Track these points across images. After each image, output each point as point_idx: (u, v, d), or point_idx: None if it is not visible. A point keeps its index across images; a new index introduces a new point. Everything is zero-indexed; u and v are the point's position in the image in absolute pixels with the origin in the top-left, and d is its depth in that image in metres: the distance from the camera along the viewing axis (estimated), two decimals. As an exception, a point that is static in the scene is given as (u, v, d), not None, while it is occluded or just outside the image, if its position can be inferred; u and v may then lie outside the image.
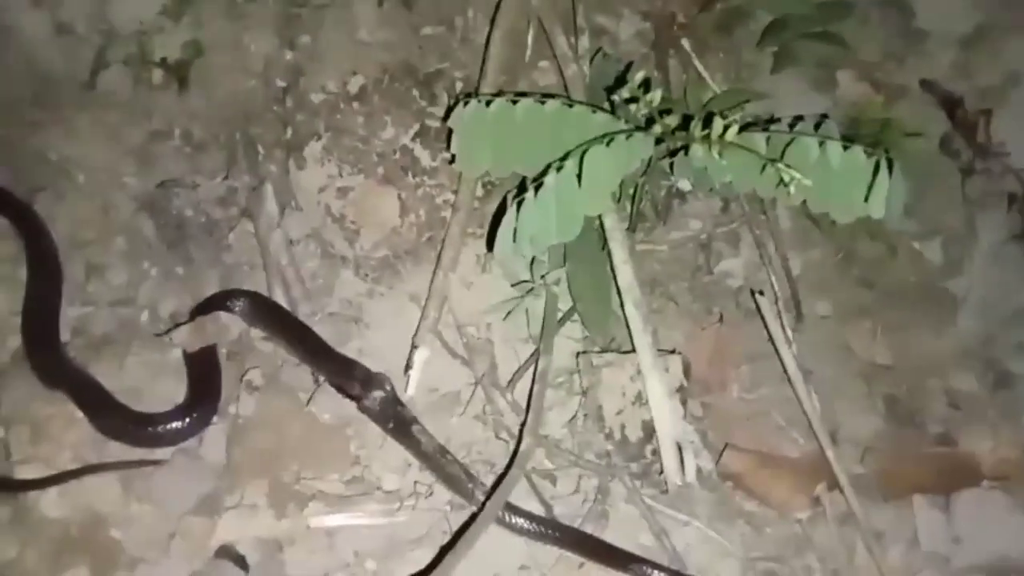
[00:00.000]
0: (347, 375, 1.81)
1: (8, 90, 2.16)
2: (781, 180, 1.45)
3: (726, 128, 1.50)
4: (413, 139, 2.01)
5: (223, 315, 1.90)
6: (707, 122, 1.55)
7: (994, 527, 1.91)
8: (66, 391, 1.83)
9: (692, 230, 2.24)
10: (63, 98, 2.16)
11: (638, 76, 1.53)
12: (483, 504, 1.58)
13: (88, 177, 2.12)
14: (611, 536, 1.79)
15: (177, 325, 1.89)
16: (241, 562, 1.64)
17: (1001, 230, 2.34)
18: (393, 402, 1.75)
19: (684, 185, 2.12)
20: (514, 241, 1.53)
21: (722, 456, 1.92)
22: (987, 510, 1.94)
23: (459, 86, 2.11)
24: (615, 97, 1.61)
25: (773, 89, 2.23)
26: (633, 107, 1.58)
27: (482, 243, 2.03)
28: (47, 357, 1.87)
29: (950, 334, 2.27)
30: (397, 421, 1.74)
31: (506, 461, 1.85)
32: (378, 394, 1.76)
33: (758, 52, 2.29)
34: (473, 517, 1.56)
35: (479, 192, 2.00)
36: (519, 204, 1.52)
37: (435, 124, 2.04)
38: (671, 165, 1.85)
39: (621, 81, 1.63)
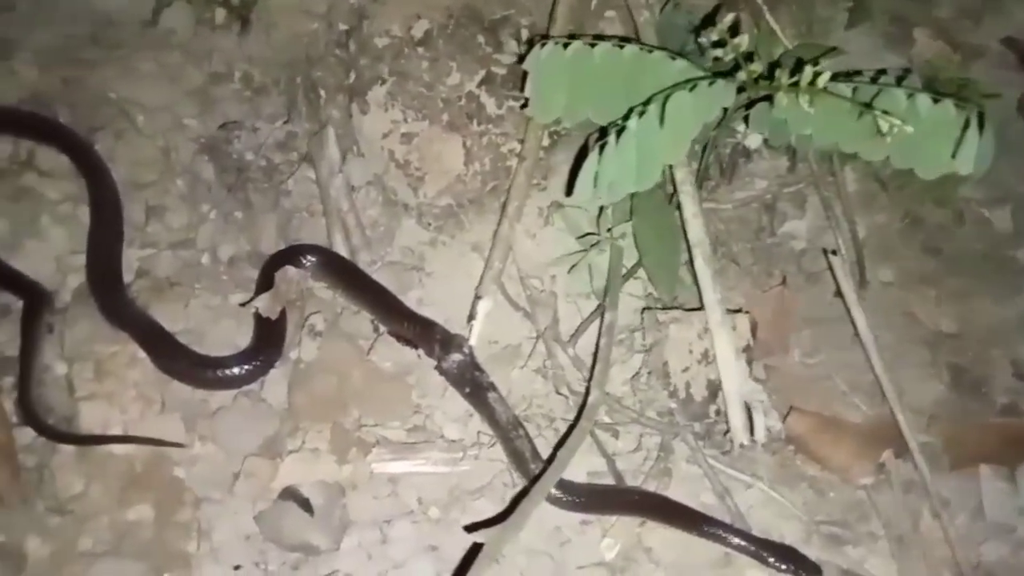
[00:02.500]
0: (426, 336, 1.79)
1: (69, 28, 2.14)
2: (878, 130, 1.39)
3: (816, 76, 1.45)
4: (479, 86, 1.97)
5: (292, 270, 1.88)
6: (795, 70, 1.50)
7: (1062, 499, 1.87)
8: (129, 331, 1.82)
9: (757, 190, 2.20)
10: (124, 37, 2.14)
11: (728, 18, 1.48)
12: (552, 455, 1.56)
13: (148, 118, 2.10)
14: (673, 495, 1.77)
15: (257, 293, 1.85)
16: (306, 505, 1.63)
17: (1076, 199, 2.27)
18: (471, 366, 1.73)
19: (752, 142, 2.08)
20: (595, 192, 1.49)
21: (787, 418, 1.88)
22: (1055, 482, 1.90)
23: (524, 34, 2.05)
24: (702, 40, 1.56)
25: (845, 46, 2.16)
26: (719, 51, 1.52)
27: (546, 195, 2.00)
28: (111, 296, 1.86)
29: (1017, 303, 2.22)
30: (474, 386, 1.72)
31: (565, 416, 1.84)
32: (456, 357, 1.74)
33: (832, 6, 2.22)
34: (544, 468, 1.54)
35: (545, 142, 1.96)
36: (601, 148, 1.48)
37: (501, 71, 1.99)
38: (746, 118, 1.80)
39: (707, 23, 1.58)
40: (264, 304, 1.83)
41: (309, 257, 1.90)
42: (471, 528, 1.41)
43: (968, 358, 2.12)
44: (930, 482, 1.82)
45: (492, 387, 1.75)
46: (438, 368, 1.77)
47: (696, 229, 1.78)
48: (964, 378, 2.09)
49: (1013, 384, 2.10)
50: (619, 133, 1.48)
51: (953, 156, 1.60)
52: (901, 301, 2.19)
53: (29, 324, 1.84)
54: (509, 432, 1.69)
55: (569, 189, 1.57)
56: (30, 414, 1.72)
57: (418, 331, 1.81)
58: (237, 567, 1.61)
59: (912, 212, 2.28)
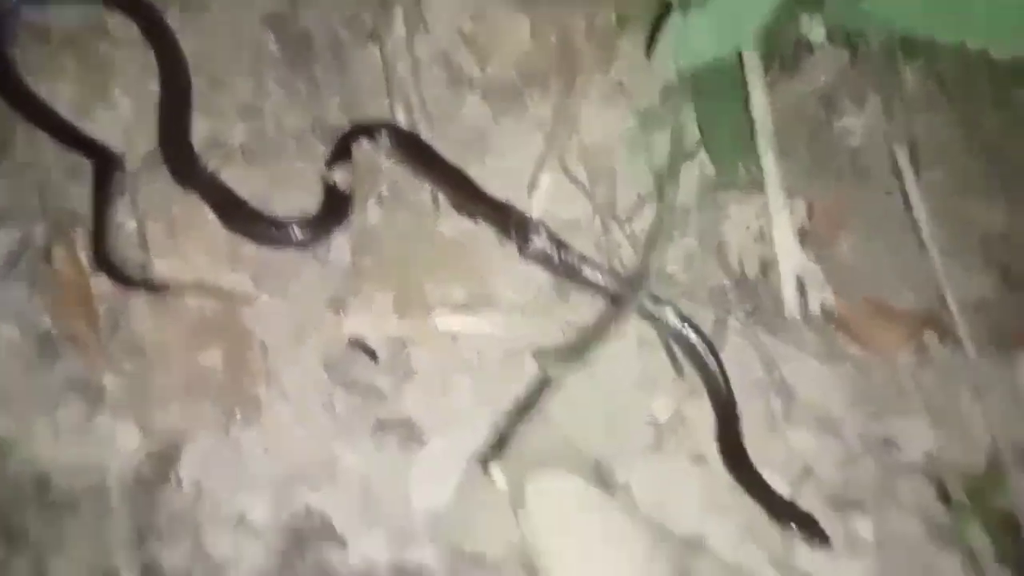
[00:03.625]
0: (502, 219, 1.83)
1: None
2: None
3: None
4: (546, -36, 1.97)
5: (368, 144, 1.92)
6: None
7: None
8: (201, 193, 1.88)
9: (816, 84, 2.19)
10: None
11: None
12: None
13: (215, -10, 2.12)
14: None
15: (334, 162, 1.90)
16: (372, 354, 1.70)
17: None
18: (556, 245, 1.79)
19: (816, 36, 2.07)
20: (677, 54, 1.51)
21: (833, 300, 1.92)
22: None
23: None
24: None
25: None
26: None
27: (608, 78, 2.01)
28: (181, 158, 1.91)
29: (1075, 210, 2.22)
30: (566, 267, 1.78)
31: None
32: (536, 240, 1.80)
33: None
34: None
35: (613, 19, 1.97)
36: (685, 10, 1.49)
37: (569, -51, 1.99)
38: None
39: None
40: (340, 175, 1.87)
41: (385, 133, 1.93)
42: (538, 356, 1.47)
43: (1018, 259, 2.14)
44: (973, 359, 1.85)
45: (584, 260, 1.78)
46: (521, 253, 1.80)
47: (761, 109, 1.80)
48: (1012, 276, 2.11)
49: (1062, 287, 2.12)
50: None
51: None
52: (953, 201, 2.19)
53: (101, 183, 1.90)
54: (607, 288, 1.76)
55: (649, 51, 1.58)
56: (106, 262, 1.79)
57: (492, 214, 1.85)
58: (305, 409, 1.68)
59: (971, 114, 2.27)
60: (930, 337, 1.93)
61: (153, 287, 1.78)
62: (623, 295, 1.74)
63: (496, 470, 1.51)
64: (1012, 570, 1.72)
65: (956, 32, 1.63)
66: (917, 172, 2.15)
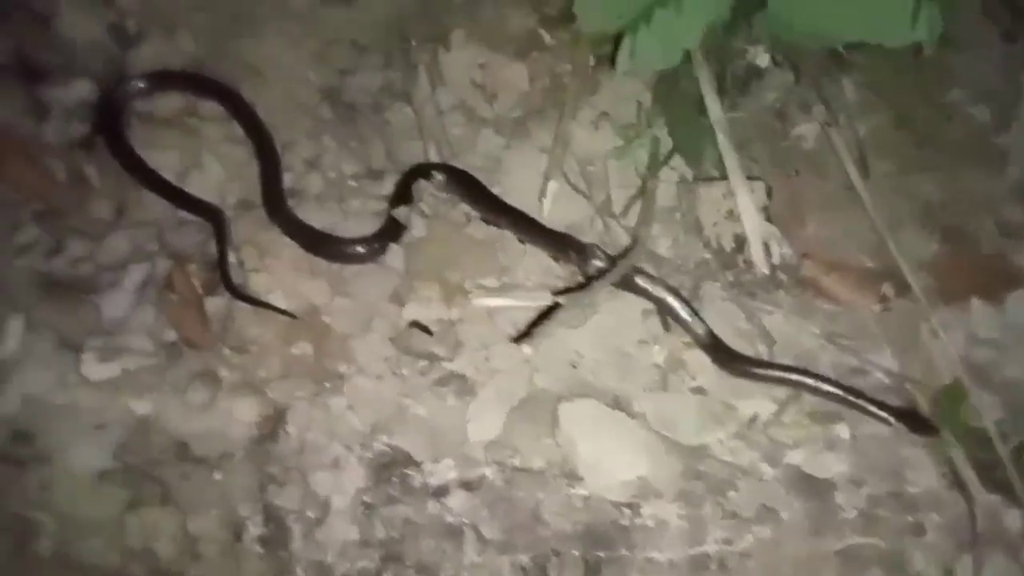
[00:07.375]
0: (561, 247, 2.26)
1: (216, 10, 2.74)
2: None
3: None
4: (536, 24, 2.51)
5: (424, 183, 2.38)
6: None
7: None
8: (282, 224, 2.37)
9: (767, 101, 2.67)
10: (257, 13, 2.74)
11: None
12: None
13: (277, 74, 2.67)
14: (712, 320, 2.22)
15: (398, 204, 2.34)
16: (427, 330, 2.14)
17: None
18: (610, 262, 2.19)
19: (762, 60, 2.57)
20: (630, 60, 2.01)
21: (802, 263, 2.34)
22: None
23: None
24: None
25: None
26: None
27: (594, 109, 2.51)
28: (277, 204, 2.40)
29: (1002, 178, 2.64)
30: (624, 279, 2.17)
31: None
32: (595, 263, 2.20)
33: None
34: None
35: (591, 63, 2.48)
36: (634, 31, 1.99)
37: (552, 12, 2.53)
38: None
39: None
40: (402, 213, 2.34)
41: (440, 172, 2.40)
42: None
43: (959, 221, 2.55)
44: (925, 303, 2.23)
45: (638, 271, 2.19)
46: (583, 274, 2.22)
47: (715, 110, 2.28)
48: (955, 235, 2.51)
49: (999, 240, 2.52)
50: (647, 22, 1.99)
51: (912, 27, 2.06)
52: (899, 185, 2.63)
53: (219, 230, 2.37)
54: (667, 303, 2.19)
55: (612, 62, 2.09)
56: (230, 285, 2.25)
57: (552, 243, 2.27)
58: (379, 376, 2.12)
59: (905, 112, 2.72)
60: (888, 289, 2.32)
61: (265, 304, 2.23)
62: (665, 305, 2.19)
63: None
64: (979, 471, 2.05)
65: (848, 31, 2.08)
66: (865, 164, 2.60)
